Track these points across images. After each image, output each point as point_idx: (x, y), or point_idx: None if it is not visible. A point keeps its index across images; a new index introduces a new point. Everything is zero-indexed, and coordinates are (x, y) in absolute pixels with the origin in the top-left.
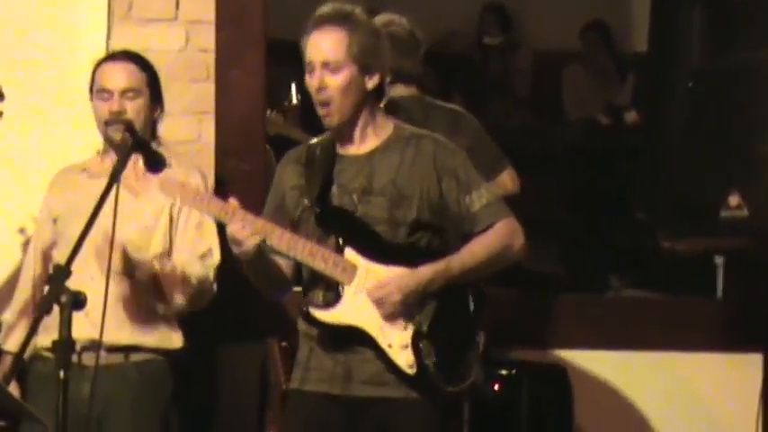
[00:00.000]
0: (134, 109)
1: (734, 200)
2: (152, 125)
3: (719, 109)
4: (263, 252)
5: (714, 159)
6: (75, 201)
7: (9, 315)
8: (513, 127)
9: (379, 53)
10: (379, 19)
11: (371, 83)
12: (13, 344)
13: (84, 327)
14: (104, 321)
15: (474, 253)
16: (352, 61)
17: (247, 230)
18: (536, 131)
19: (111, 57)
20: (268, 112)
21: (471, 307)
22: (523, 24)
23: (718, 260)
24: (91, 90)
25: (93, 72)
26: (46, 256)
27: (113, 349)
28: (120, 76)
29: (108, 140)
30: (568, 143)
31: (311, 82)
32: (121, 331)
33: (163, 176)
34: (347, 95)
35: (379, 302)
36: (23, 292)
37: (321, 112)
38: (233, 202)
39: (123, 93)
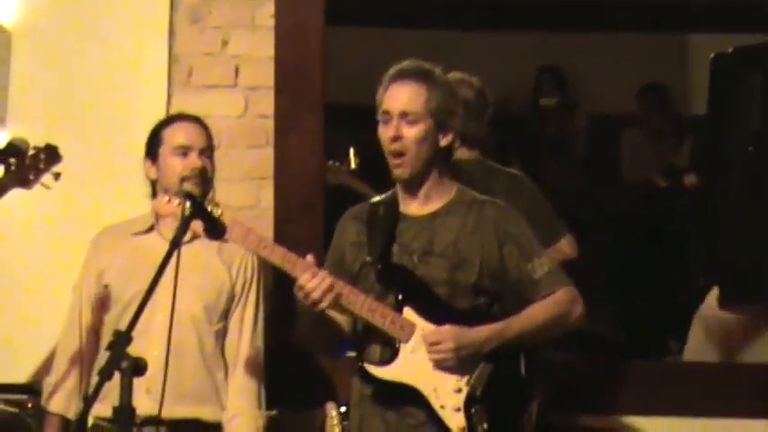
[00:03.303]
0: (210, 168)
1: None
2: None
3: None
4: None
5: None
6: (128, 265)
7: (53, 375)
8: (570, 189)
9: (454, 113)
10: (452, 76)
11: (444, 141)
12: (57, 404)
13: (146, 403)
14: (165, 397)
15: (533, 317)
16: (430, 116)
17: (316, 282)
18: (593, 194)
19: (182, 117)
20: (330, 162)
21: (526, 372)
22: (580, 87)
23: None
24: (152, 149)
25: (161, 130)
26: (95, 313)
27: (172, 423)
28: (199, 135)
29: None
30: (625, 205)
31: (386, 132)
32: (181, 405)
33: (231, 221)
34: (421, 148)
35: (432, 348)
36: (70, 345)
37: (393, 162)
38: (310, 258)
39: (202, 151)
